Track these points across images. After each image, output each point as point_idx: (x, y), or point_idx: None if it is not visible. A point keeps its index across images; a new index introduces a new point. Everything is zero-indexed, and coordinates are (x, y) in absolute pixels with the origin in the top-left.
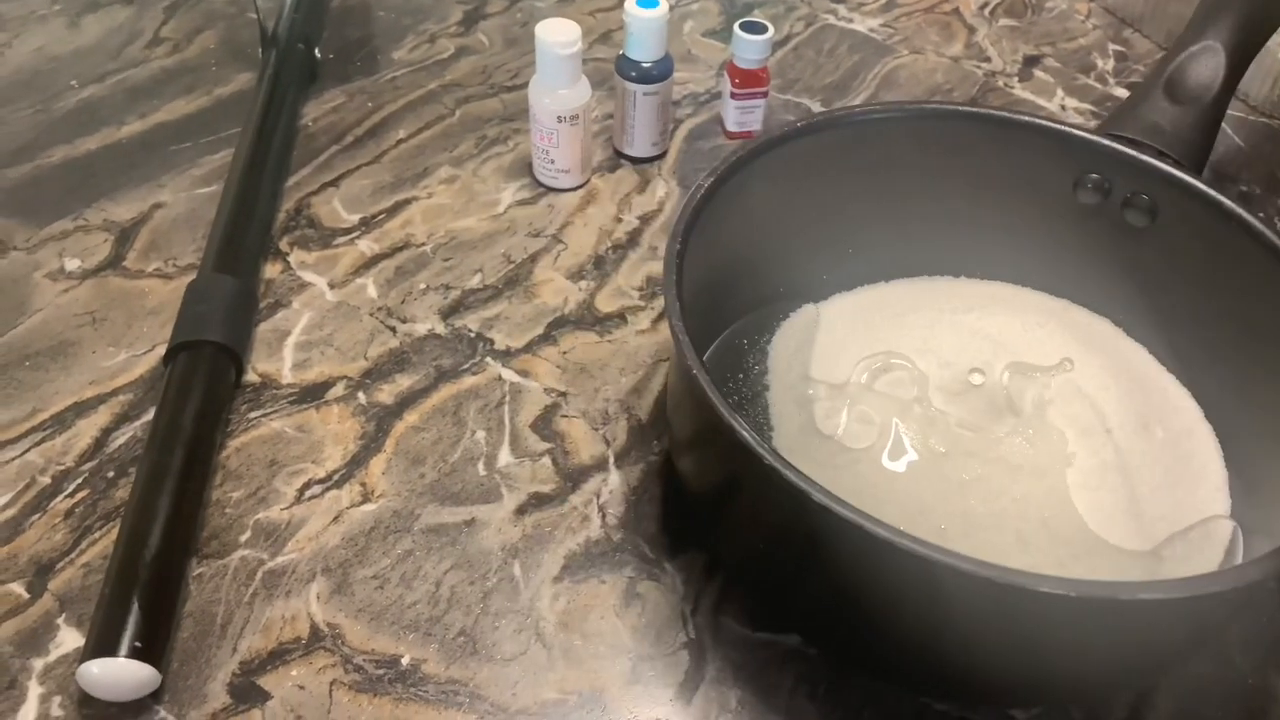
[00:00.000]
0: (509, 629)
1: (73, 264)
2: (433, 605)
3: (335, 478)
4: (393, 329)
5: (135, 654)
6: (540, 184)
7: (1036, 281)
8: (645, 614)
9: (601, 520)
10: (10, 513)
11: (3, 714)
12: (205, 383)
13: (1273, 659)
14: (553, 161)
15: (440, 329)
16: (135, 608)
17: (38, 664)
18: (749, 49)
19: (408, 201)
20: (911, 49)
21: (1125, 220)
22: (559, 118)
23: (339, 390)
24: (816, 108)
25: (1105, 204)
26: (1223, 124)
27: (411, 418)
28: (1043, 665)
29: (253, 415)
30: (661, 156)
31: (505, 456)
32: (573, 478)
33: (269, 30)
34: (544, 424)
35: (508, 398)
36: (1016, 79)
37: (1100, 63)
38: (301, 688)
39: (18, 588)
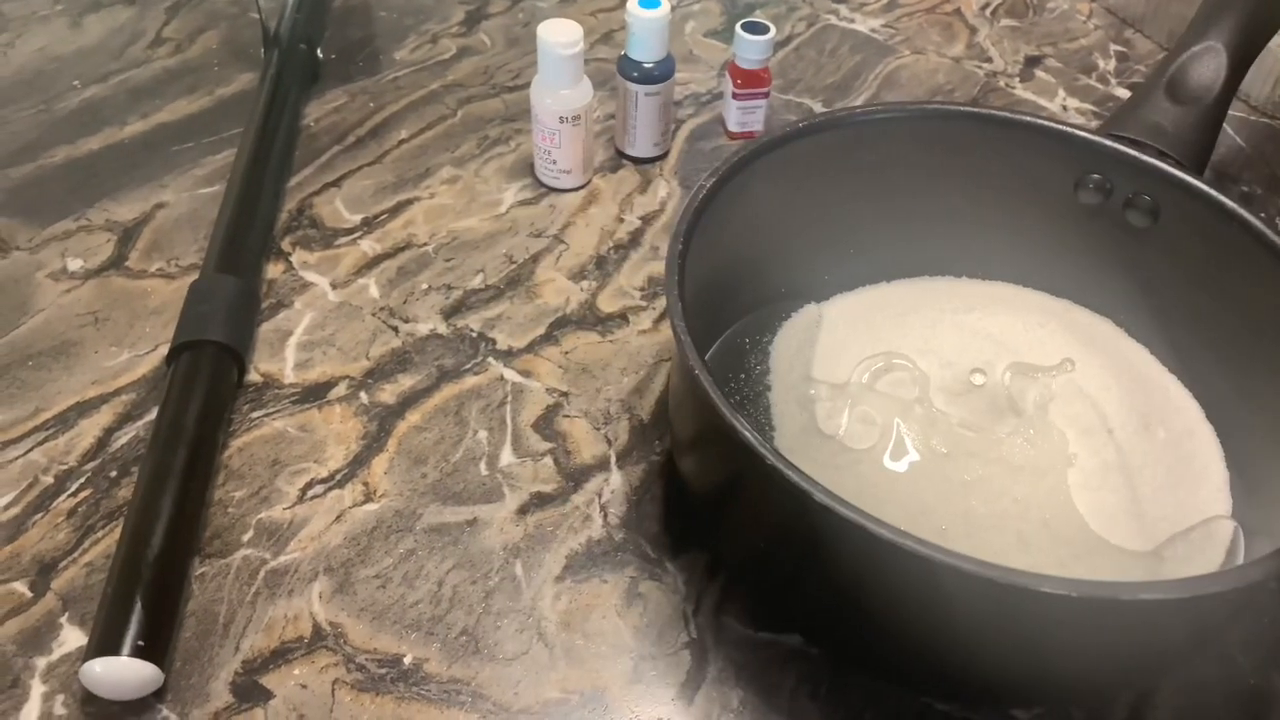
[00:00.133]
0: (511, 628)
1: (75, 264)
2: (435, 605)
3: (337, 477)
4: (395, 329)
5: (138, 653)
6: (542, 184)
7: (1038, 282)
8: (647, 614)
9: (603, 520)
10: (13, 512)
11: (6, 713)
12: (208, 382)
13: (1274, 659)
14: (554, 162)
15: (442, 329)
16: (138, 607)
17: (41, 663)
18: (751, 49)
19: (410, 202)
20: (913, 49)
21: (1127, 220)
22: (561, 118)
23: (341, 390)
24: (818, 108)
25: (1107, 204)
26: (1224, 124)
27: (413, 417)
28: (1044, 665)
29: (255, 415)
30: (663, 157)
31: (507, 456)
32: (574, 477)
33: (271, 30)
34: (546, 424)
35: (509, 398)
36: (1018, 79)
37: (1102, 63)
38: (304, 687)
39: (21, 587)
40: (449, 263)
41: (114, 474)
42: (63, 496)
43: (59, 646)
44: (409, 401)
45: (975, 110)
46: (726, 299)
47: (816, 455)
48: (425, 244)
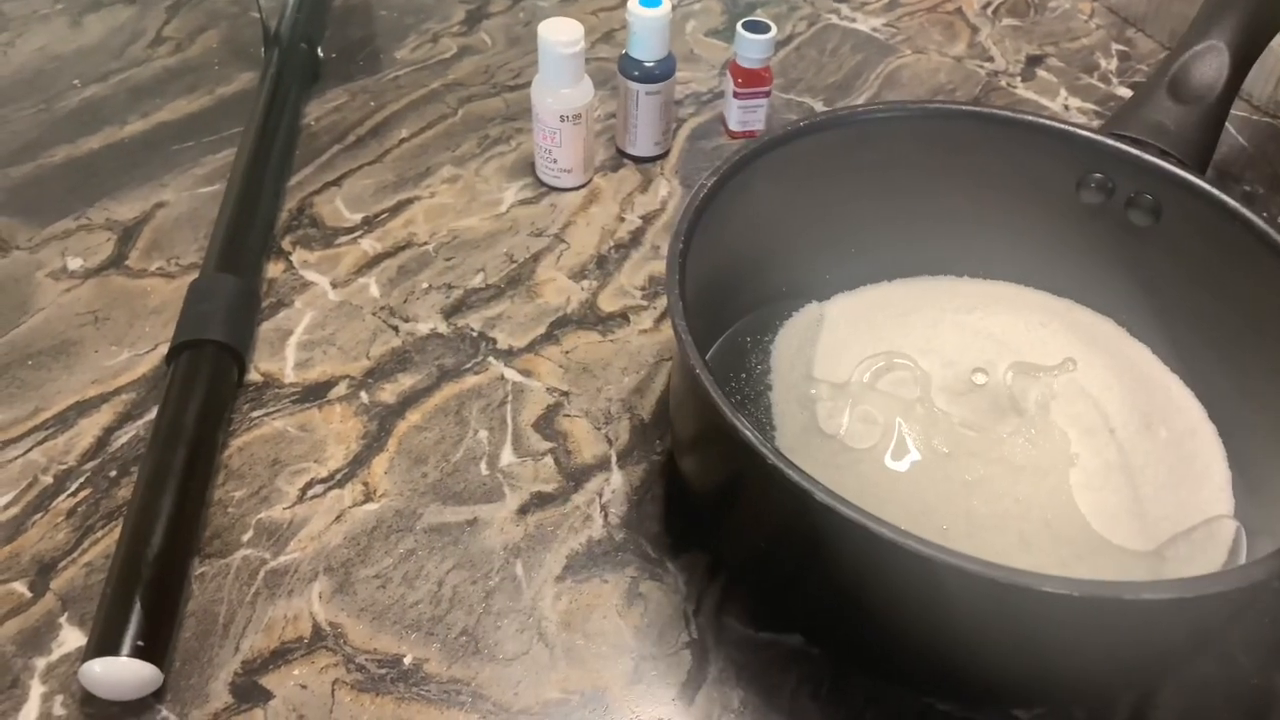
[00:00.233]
0: (511, 628)
1: (75, 263)
2: (435, 605)
3: (337, 477)
4: (395, 328)
5: (137, 653)
6: (543, 183)
7: (1040, 281)
8: (648, 614)
9: (604, 520)
10: (13, 511)
11: (5, 713)
12: (208, 382)
13: (1276, 659)
14: (555, 161)
15: (442, 328)
16: (137, 607)
17: (40, 663)
18: (752, 48)
19: (410, 201)
20: (914, 48)
21: (1129, 220)
22: (562, 117)
23: (341, 389)
24: (819, 107)
25: (1108, 203)
26: (1226, 124)
27: (414, 417)
28: (1046, 665)
29: (255, 414)
30: (664, 156)
31: (508, 456)
32: (575, 477)
33: (271, 29)
34: (546, 423)
35: (510, 397)
36: (1019, 79)
37: (1103, 62)
38: (304, 687)
39: (20, 587)
40: (449, 262)
41: (113, 474)
42: (62, 496)
43: (58, 647)
44: (409, 401)
45: (977, 109)
46: (727, 298)
47: (817, 455)
48: (426, 243)
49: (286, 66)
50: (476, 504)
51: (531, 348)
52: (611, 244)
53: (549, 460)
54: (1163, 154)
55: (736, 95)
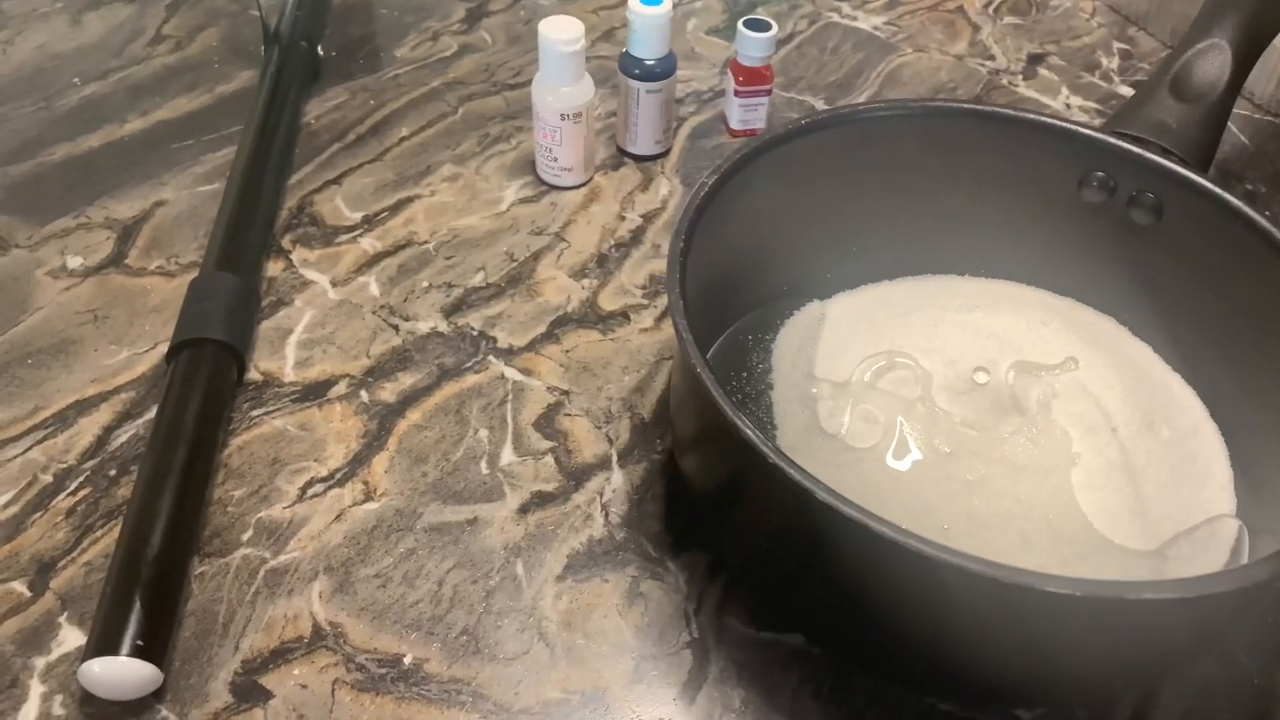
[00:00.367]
0: (511, 628)
1: (74, 261)
2: (435, 604)
3: (337, 476)
4: (395, 327)
5: (137, 653)
6: (543, 182)
7: (1041, 280)
8: (648, 613)
9: (604, 519)
10: (12, 510)
11: (4, 713)
12: (207, 381)
13: (1278, 660)
14: (556, 159)
15: (443, 327)
16: (137, 606)
17: (39, 662)
18: (753, 46)
19: (410, 199)
20: (915, 47)
21: (1130, 218)
22: (562, 115)
23: (341, 388)
24: (820, 105)
25: (1110, 202)
26: (1228, 122)
27: (414, 416)
28: (1048, 665)
29: (255, 413)
30: (665, 154)
31: (508, 455)
32: (575, 476)
33: (271, 28)
34: (546, 422)
35: (510, 396)
36: (1021, 77)
37: (1105, 61)
38: (304, 687)
39: (19, 586)
40: (449, 260)
41: (113, 473)
42: (62, 495)
43: (58, 646)
44: (409, 400)
45: (978, 108)
46: (728, 297)
47: (818, 454)
48: (426, 242)
49: (286, 65)
50: (477, 503)
51: (532, 346)
52: (612, 243)
53: (549, 459)
54: (1165, 152)
55: (737, 93)
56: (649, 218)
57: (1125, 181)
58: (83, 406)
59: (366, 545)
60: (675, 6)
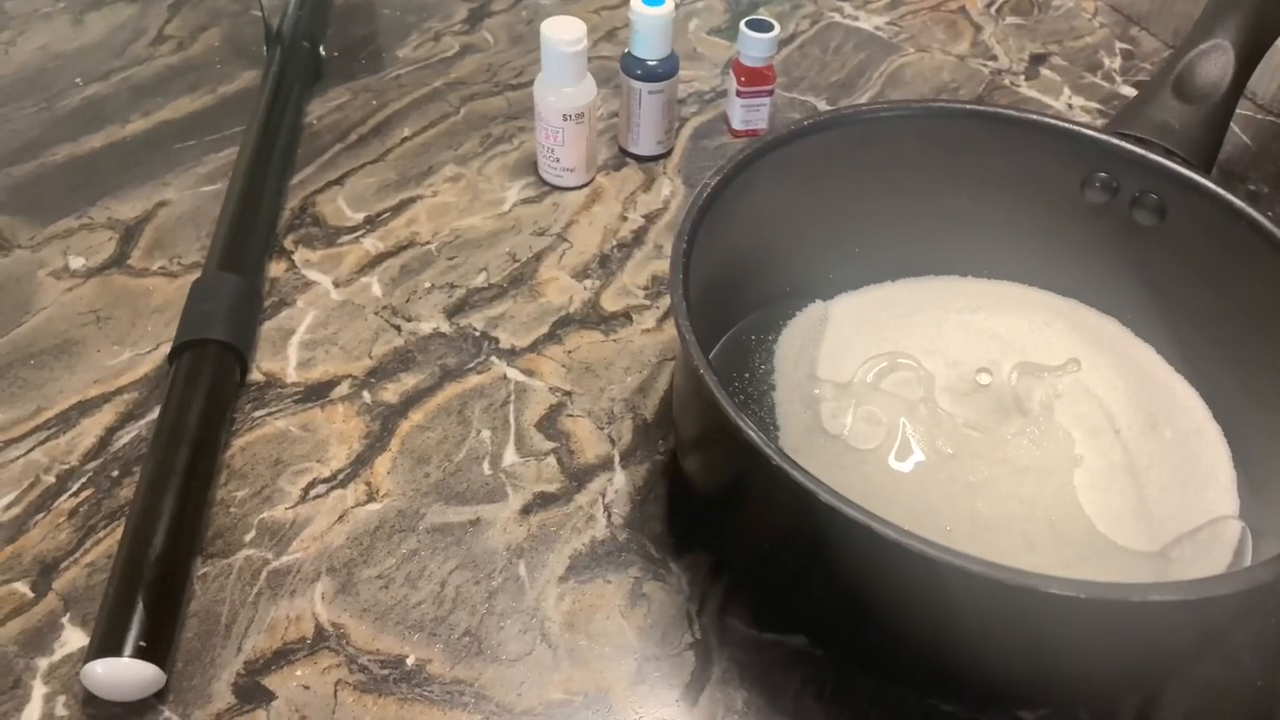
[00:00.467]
0: (514, 629)
1: (77, 262)
2: (438, 605)
3: (340, 477)
4: (397, 328)
5: (140, 654)
6: (545, 182)
7: (1044, 281)
8: (651, 614)
9: (607, 520)
10: (15, 511)
11: (7, 714)
12: (210, 382)
13: None
14: (558, 160)
15: (445, 328)
16: (140, 607)
17: (42, 663)
18: (755, 47)
19: (412, 200)
20: (917, 47)
21: (1133, 219)
22: (564, 116)
23: (344, 389)
24: (822, 106)
25: (1113, 203)
26: (1230, 123)
27: (416, 417)
28: (1051, 667)
29: (257, 414)
30: (667, 155)
31: (510, 456)
32: (578, 477)
33: (274, 28)
34: (549, 423)
35: (513, 397)
36: (1023, 77)
37: (1107, 61)
38: (306, 688)
39: (22, 587)
40: (452, 261)
41: (116, 473)
42: (64, 496)
43: (60, 647)
44: (412, 401)
45: (981, 109)
46: (731, 297)
47: (821, 455)
48: (428, 242)
49: (289, 65)
50: (479, 504)
51: (534, 347)
52: (614, 243)
53: (552, 460)
54: (1168, 153)
55: (739, 94)
56: (651, 218)
57: (1128, 182)
58: (85, 407)
59: (369, 546)
60: (677, 7)
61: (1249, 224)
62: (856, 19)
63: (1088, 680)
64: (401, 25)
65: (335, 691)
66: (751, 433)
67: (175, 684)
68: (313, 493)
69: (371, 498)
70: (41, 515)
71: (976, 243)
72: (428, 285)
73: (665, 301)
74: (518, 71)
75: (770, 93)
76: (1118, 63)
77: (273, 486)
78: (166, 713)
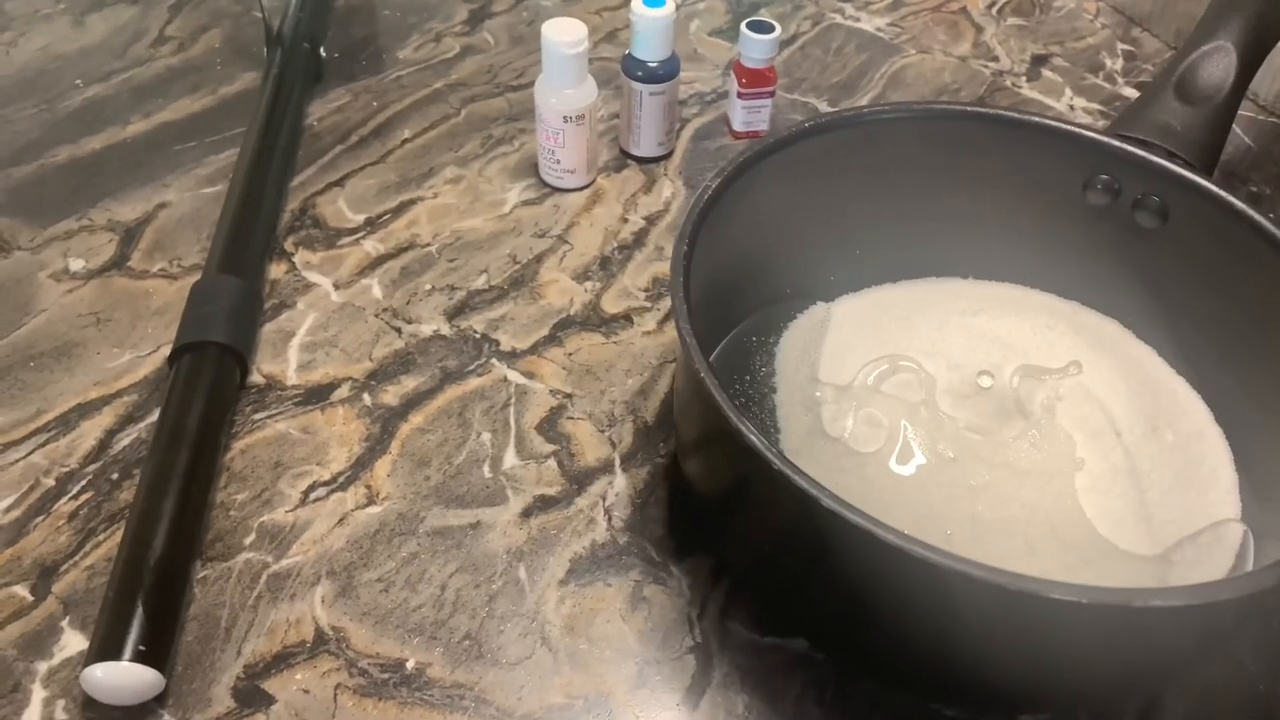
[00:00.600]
0: (514, 633)
1: (77, 264)
2: (438, 609)
3: (340, 480)
4: (398, 330)
5: (139, 658)
6: (546, 184)
7: (1045, 283)
8: (651, 618)
9: (607, 523)
10: (14, 514)
11: (6, 718)
12: (210, 384)
13: None
14: (559, 161)
15: (445, 330)
16: (139, 611)
17: (41, 667)
18: (756, 48)
19: (413, 201)
20: (919, 48)
21: (1135, 221)
22: (565, 118)
23: (344, 392)
24: (823, 107)
25: (1115, 205)
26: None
27: (417, 419)
28: (1053, 671)
29: (258, 417)
30: (668, 156)
31: (511, 459)
32: (578, 480)
33: (274, 29)
34: (549, 426)
35: (513, 399)
36: (1024, 78)
37: (1109, 62)
38: (306, 691)
39: (22, 590)
40: (452, 263)
41: (115, 476)
42: (64, 499)
43: (60, 651)
44: (412, 403)
45: (982, 110)
46: (732, 299)
47: (822, 458)
48: (429, 244)
49: (289, 66)
50: (479, 507)
51: (534, 349)
52: (615, 245)
53: (552, 463)
54: (1170, 155)
55: (741, 95)
56: (652, 220)
57: (1130, 184)
58: (85, 410)
59: (369, 549)
60: (678, 8)
61: (1251, 226)
62: (858, 20)
63: (1089, 684)
64: (402, 26)
65: (335, 695)
66: (752, 436)
67: (175, 688)
68: (313, 496)
69: (371, 501)
70: (41, 518)
71: (978, 244)
72: (428, 287)
73: (666, 303)
74: (519, 73)
75: (771, 94)
76: (1119, 64)
77: (273, 489)
78: (166, 717)
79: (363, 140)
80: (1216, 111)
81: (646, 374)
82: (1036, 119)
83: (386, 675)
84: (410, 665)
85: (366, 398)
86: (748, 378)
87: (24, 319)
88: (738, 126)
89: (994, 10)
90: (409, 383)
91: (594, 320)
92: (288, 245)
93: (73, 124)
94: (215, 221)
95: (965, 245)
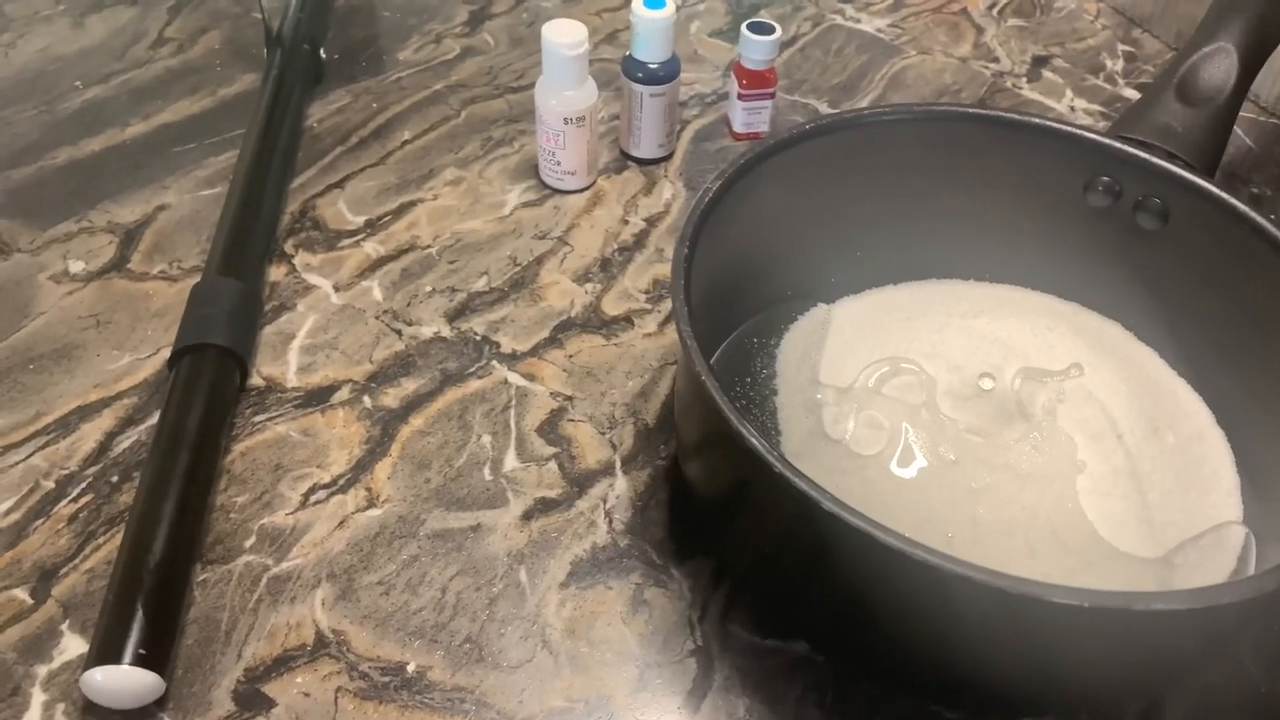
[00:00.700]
0: (515, 636)
1: (77, 266)
2: (438, 612)
3: (340, 482)
4: (398, 332)
5: (139, 661)
6: (546, 185)
7: (1046, 284)
8: (652, 621)
9: (608, 526)
10: (14, 517)
11: None
12: (210, 387)
13: None
14: (559, 163)
15: (446, 332)
16: (139, 614)
17: (41, 671)
18: (756, 50)
19: (413, 203)
20: (919, 49)
21: (1136, 223)
22: (565, 119)
23: (344, 394)
24: (824, 108)
25: (1116, 206)
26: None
27: (417, 422)
28: (1054, 674)
29: (258, 419)
30: (668, 158)
31: (511, 461)
32: (579, 483)
33: (274, 30)
34: (550, 428)
35: (514, 401)
36: (1025, 79)
37: (1109, 63)
38: (307, 695)
39: (21, 593)
40: (453, 265)
41: (115, 479)
42: (64, 502)
43: (60, 654)
44: (412, 405)
45: (983, 112)
46: (733, 301)
47: (823, 459)
48: (429, 246)
49: (289, 68)
50: (480, 510)
51: (535, 351)
52: (615, 247)
53: (553, 465)
54: (1170, 157)
55: (741, 97)
56: (652, 221)
57: (1131, 186)
58: (85, 412)
59: (369, 552)
60: (678, 9)
61: (1252, 228)
62: (858, 21)
63: (1091, 687)
64: (402, 27)
65: (336, 699)
66: (753, 440)
67: (175, 691)
68: (313, 498)
69: (372, 503)
70: (41, 521)
71: (979, 246)
72: (428, 289)
73: (667, 305)
74: (519, 74)
75: (772, 95)
76: (1120, 65)
77: (273, 492)
78: None
79: (363, 142)
80: (1217, 113)
81: (647, 376)
82: (1037, 120)
83: (387, 678)
84: (411, 668)
85: (367, 400)
86: (749, 380)
87: (24, 321)
88: (738, 128)
89: (994, 11)
90: (409, 385)
91: (594, 322)
92: (288, 247)
93: (72, 126)
94: (215, 223)
95: (966, 247)
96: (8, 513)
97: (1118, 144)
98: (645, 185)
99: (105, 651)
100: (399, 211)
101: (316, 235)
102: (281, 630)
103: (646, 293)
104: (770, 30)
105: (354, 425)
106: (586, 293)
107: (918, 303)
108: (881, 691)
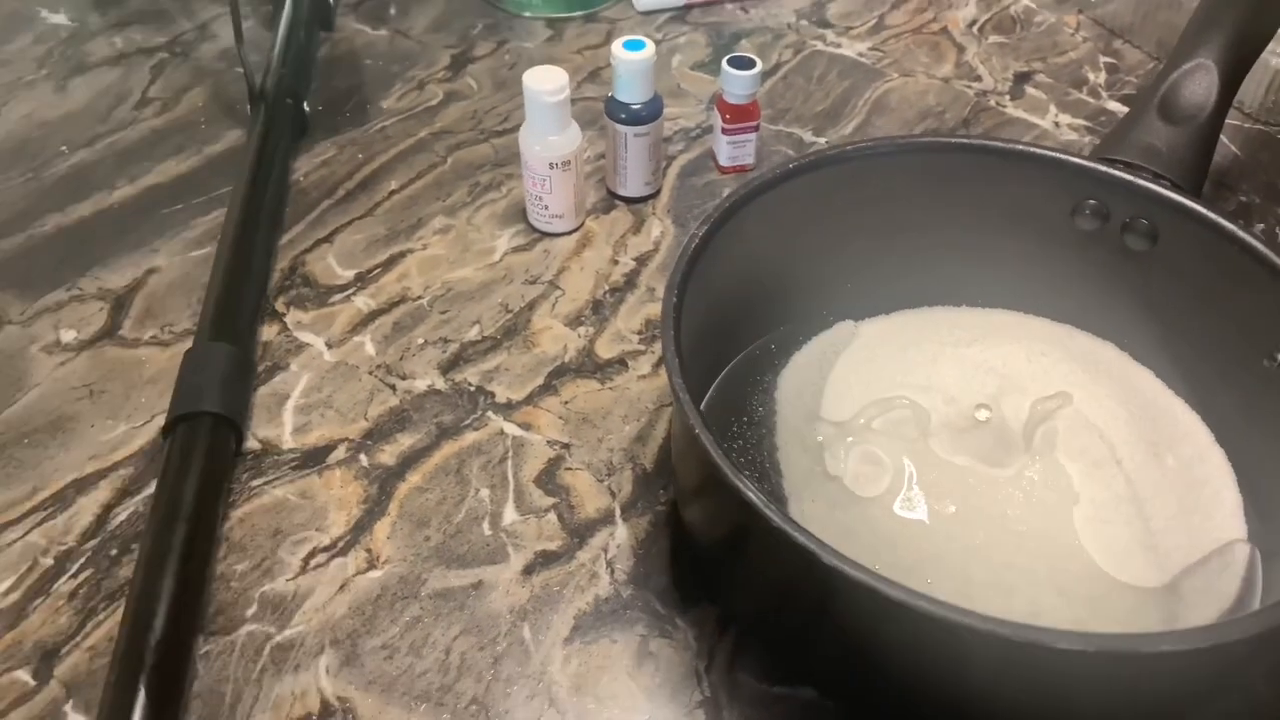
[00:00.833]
0: (521, 695)
1: (68, 335)
2: (443, 673)
3: (340, 545)
4: (392, 387)
5: None
6: (535, 229)
7: (1039, 309)
8: (659, 673)
9: (610, 576)
10: (14, 597)
11: None
12: (205, 455)
13: None
14: (546, 207)
15: (440, 384)
16: (142, 694)
17: None
18: (738, 84)
19: (403, 254)
20: (901, 71)
21: (1125, 244)
22: (550, 164)
23: (340, 453)
24: (808, 137)
25: (1104, 229)
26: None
27: (414, 478)
28: (1061, 716)
29: (255, 483)
30: (655, 195)
31: (510, 514)
32: (579, 533)
33: (257, 86)
34: (548, 477)
35: (510, 452)
36: (1008, 97)
37: (1092, 76)
38: None
39: (24, 675)
40: (444, 315)
41: (114, 552)
42: (63, 578)
43: None
44: (409, 462)
45: (967, 141)
46: (725, 337)
47: (820, 497)
48: (420, 297)
49: (273, 123)
50: (480, 566)
51: (530, 400)
52: (606, 288)
53: (552, 516)
54: (1156, 177)
55: (725, 131)
56: (642, 260)
57: (1118, 208)
58: (81, 485)
59: (372, 615)
60: (658, 43)
61: (1240, 245)
62: (839, 46)
63: None
64: (385, 75)
65: None
66: (750, 493)
67: None
68: (313, 562)
69: (372, 565)
70: (41, 599)
71: (970, 273)
72: (421, 341)
73: (660, 346)
74: (503, 117)
75: (756, 128)
76: (1102, 77)
77: (273, 558)
78: None
79: (349, 194)
80: (1200, 130)
81: (644, 419)
82: (1021, 147)
83: None
84: None
85: (363, 458)
86: (745, 419)
87: (17, 395)
88: (724, 161)
89: (975, 29)
90: (405, 440)
91: (589, 366)
92: (279, 305)
93: (60, 192)
94: (205, 285)
95: (957, 274)
96: (7, 592)
97: (1103, 167)
98: (634, 224)
99: None
100: (389, 263)
101: (307, 292)
102: (286, 700)
103: (639, 333)
104: (751, 65)
105: (351, 485)
106: (579, 336)
107: (910, 332)
108: None
